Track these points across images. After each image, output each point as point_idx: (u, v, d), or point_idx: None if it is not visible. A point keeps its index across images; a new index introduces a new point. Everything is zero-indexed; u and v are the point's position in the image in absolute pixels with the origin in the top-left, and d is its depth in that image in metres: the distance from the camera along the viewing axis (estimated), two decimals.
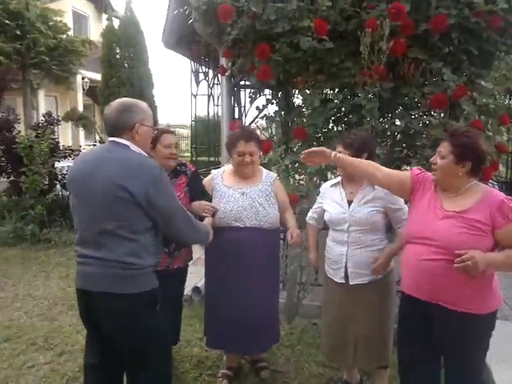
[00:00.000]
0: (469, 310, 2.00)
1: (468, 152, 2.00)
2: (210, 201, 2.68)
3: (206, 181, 2.83)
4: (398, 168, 3.20)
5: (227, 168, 2.82)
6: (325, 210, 2.54)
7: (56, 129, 7.84)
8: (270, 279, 2.70)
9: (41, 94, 13.40)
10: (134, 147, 1.95)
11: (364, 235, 2.38)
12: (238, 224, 2.58)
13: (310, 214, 2.74)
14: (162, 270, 2.55)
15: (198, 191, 2.73)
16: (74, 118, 12.58)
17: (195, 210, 2.55)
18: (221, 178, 2.74)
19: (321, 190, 2.68)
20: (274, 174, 2.81)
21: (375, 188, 2.39)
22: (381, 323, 2.43)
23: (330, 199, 2.51)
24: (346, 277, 2.41)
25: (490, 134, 3.10)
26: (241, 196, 2.62)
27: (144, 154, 1.99)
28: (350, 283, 2.40)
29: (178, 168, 2.79)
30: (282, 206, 2.72)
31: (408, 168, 3.05)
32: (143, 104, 2.04)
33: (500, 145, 3.14)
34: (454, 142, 2.02)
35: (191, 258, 2.88)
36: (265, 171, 2.79)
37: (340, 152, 2.33)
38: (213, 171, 2.87)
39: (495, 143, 3.10)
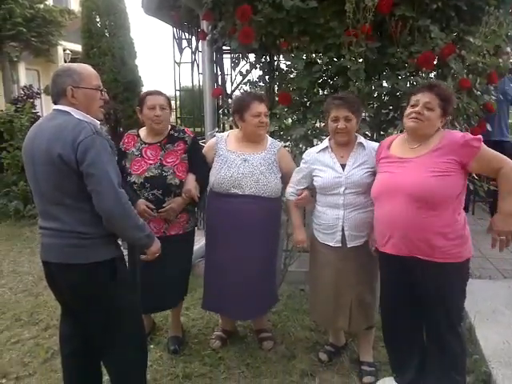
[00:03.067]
0: (445, 259, 2.04)
1: (451, 106, 2.06)
2: (209, 171, 2.65)
3: (209, 144, 2.78)
4: (385, 131, 3.14)
5: (231, 132, 2.75)
6: (313, 178, 2.46)
7: (38, 103, 7.64)
8: (268, 246, 2.68)
9: (21, 67, 13.01)
10: (75, 112, 1.85)
11: (358, 197, 2.35)
12: (237, 191, 2.55)
13: (290, 189, 2.56)
14: (159, 236, 2.51)
15: (198, 161, 2.66)
16: None
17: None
18: (224, 143, 2.67)
19: (305, 157, 2.55)
20: (279, 143, 2.73)
21: (365, 148, 2.38)
22: (371, 281, 2.45)
23: (321, 164, 2.44)
24: (343, 240, 2.39)
25: (478, 93, 3.03)
26: (242, 162, 2.57)
27: (87, 118, 1.87)
28: (348, 246, 2.38)
29: (176, 134, 2.68)
30: (288, 176, 2.64)
31: (395, 131, 2.98)
32: (80, 66, 1.93)
33: (488, 104, 3.07)
34: (441, 95, 2.01)
35: (194, 226, 2.82)
36: (270, 139, 2.72)
37: (347, 117, 2.29)
38: (217, 134, 2.81)
39: (483, 102, 3.03)
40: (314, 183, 2.46)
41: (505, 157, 2.02)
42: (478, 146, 1.97)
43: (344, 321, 2.47)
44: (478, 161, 1.98)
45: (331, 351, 2.74)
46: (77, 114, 1.85)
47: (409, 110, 2.07)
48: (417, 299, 2.19)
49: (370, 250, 2.39)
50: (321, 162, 2.44)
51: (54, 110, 1.89)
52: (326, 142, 2.49)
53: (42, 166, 1.80)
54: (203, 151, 2.75)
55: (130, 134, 2.74)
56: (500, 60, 3.11)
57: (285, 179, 2.65)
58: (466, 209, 2.09)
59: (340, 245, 2.40)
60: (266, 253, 2.69)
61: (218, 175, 2.59)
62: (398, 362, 2.38)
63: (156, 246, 2.05)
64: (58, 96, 1.88)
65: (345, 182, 2.34)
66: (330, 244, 2.43)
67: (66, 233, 1.81)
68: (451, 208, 2.02)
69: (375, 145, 2.41)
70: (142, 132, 2.70)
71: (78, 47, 11.42)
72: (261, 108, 2.57)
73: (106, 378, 2.35)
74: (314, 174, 2.46)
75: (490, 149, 2.02)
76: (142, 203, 2.49)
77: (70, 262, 1.82)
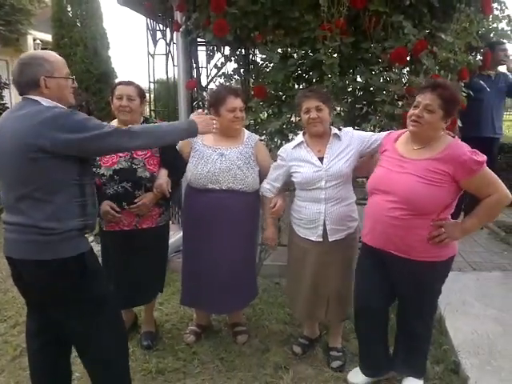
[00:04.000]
0: (423, 258, 2.07)
1: (454, 106, 1.97)
2: (183, 165, 2.62)
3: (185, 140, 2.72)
4: (359, 126, 3.16)
5: None
6: (291, 174, 2.46)
7: (7, 94, 7.39)
8: (246, 240, 2.68)
9: None
10: (45, 101, 1.77)
11: (339, 190, 2.37)
12: (214, 186, 2.53)
13: (266, 186, 2.56)
14: (131, 230, 2.54)
15: (171, 154, 2.59)
16: None
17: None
18: (201, 137, 2.62)
19: (281, 154, 2.53)
20: (256, 136, 2.71)
21: (341, 139, 2.40)
22: (349, 276, 2.47)
23: (298, 160, 2.43)
24: (324, 235, 2.40)
25: None
26: (219, 157, 2.55)
27: (58, 106, 1.79)
28: (330, 240, 2.39)
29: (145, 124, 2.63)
30: (265, 169, 2.63)
31: (368, 126, 3.00)
32: (49, 53, 1.84)
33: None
34: (444, 95, 1.94)
35: (168, 219, 2.78)
36: (247, 133, 2.70)
37: (318, 106, 2.30)
38: None
39: None
40: (293, 179, 2.46)
41: (500, 184, 1.99)
42: (475, 170, 1.93)
43: (321, 312, 2.50)
44: (470, 182, 1.97)
45: (305, 344, 2.76)
46: (46, 102, 1.77)
47: (411, 111, 2.03)
48: (390, 290, 2.25)
49: (350, 243, 2.44)
50: (297, 157, 2.43)
51: (23, 98, 1.80)
52: (300, 137, 2.49)
53: (10, 157, 1.71)
54: (178, 146, 2.70)
55: None
56: (470, 57, 3.17)
57: (262, 173, 2.64)
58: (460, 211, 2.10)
59: (321, 239, 2.40)
60: (245, 247, 2.69)
61: (195, 171, 2.55)
62: (367, 349, 2.43)
63: (200, 119, 2.07)
64: (27, 87, 1.78)
65: (325, 175, 2.34)
66: (312, 238, 2.43)
67: (30, 228, 1.73)
68: (436, 214, 2.03)
69: (349, 129, 2.48)
70: (113, 123, 2.64)
71: (49, 37, 11.10)
72: (236, 103, 2.54)
73: (76, 375, 2.32)
74: (292, 170, 2.45)
75: (489, 173, 1.97)
76: (106, 204, 2.44)
77: (34, 259, 1.75)
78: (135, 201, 2.50)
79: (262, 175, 2.64)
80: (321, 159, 2.37)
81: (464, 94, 3.11)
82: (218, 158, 2.54)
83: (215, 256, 2.60)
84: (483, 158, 1.95)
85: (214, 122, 2.17)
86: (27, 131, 1.67)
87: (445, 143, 2.01)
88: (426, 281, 2.15)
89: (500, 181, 2.01)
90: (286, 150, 2.52)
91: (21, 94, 1.81)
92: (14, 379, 2.47)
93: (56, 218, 1.74)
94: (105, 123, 1.83)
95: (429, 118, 1.95)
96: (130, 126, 1.90)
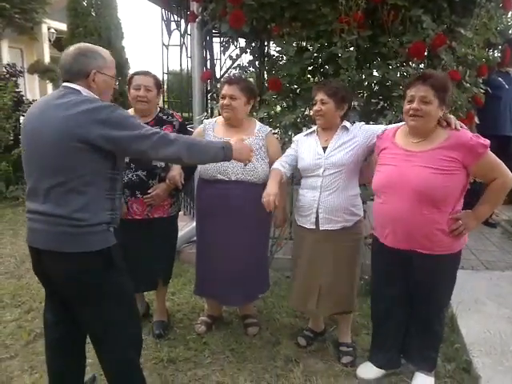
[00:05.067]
0: (442, 251, 2.09)
1: (447, 94, 1.99)
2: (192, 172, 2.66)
3: (196, 131, 2.74)
4: (374, 121, 3.14)
5: (219, 118, 2.70)
6: (297, 160, 2.50)
7: (21, 82, 7.45)
8: (257, 231, 2.67)
9: (4, 45, 12.59)
10: (85, 92, 1.77)
11: (337, 180, 2.36)
12: (223, 177, 2.53)
13: (276, 163, 2.55)
14: (143, 219, 2.57)
15: None
16: (39, 69, 11.91)
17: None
18: (212, 129, 2.64)
19: (294, 140, 2.62)
20: (267, 128, 2.69)
21: (349, 130, 2.40)
22: (346, 272, 2.47)
23: (305, 147, 2.48)
24: (317, 223, 2.42)
25: (468, 85, 3.04)
26: None
27: (96, 97, 1.80)
28: (320, 228, 2.41)
29: (164, 117, 2.66)
30: (275, 161, 2.61)
31: (384, 121, 2.98)
32: (104, 51, 1.86)
33: (476, 97, 3.09)
34: (435, 84, 1.96)
35: (178, 210, 2.81)
36: (258, 124, 2.68)
37: (322, 100, 2.32)
38: (205, 121, 2.77)
39: (472, 95, 3.05)
40: (298, 166, 2.50)
41: (504, 168, 2.02)
42: (482, 153, 1.95)
43: (312, 304, 2.50)
44: (478, 166, 1.98)
45: (309, 336, 2.78)
46: (87, 93, 1.77)
47: (406, 106, 2.04)
48: (408, 287, 2.25)
49: (346, 238, 2.42)
50: (306, 144, 2.49)
51: (63, 87, 1.79)
52: (314, 127, 2.53)
53: (48, 145, 1.69)
54: None
55: None
56: (489, 53, 3.13)
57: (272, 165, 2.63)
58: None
59: (314, 227, 2.43)
60: (256, 239, 2.68)
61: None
62: (383, 343, 2.43)
63: (238, 146, 2.02)
64: (76, 75, 1.77)
65: (324, 163, 2.37)
66: (306, 226, 2.46)
67: (62, 218, 1.71)
68: (452, 205, 2.04)
69: (360, 124, 2.47)
70: (130, 113, 2.66)
71: (64, 26, 11.14)
72: (228, 90, 2.52)
73: (89, 361, 2.35)
74: (299, 156, 2.50)
75: (493, 156, 2.01)
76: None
77: (63, 251, 1.73)
78: (149, 191, 2.51)
79: None
80: (325, 148, 2.41)
81: (482, 91, 3.08)
82: None
83: (226, 248, 2.61)
84: (487, 141, 1.98)
85: (251, 153, 2.13)
86: (69, 120, 1.67)
87: (446, 133, 2.02)
88: (446, 274, 2.18)
89: (504, 164, 2.04)
90: (298, 137, 2.60)
91: (65, 81, 1.80)
92: (28, 364, 2.51)
93: (88, 209, 1.73)
94: (144, 125, 1.81)
95: (427, 109, 1.97)
96: (165, 132, 1.86)
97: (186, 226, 4.15)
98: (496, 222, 4.66)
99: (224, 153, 1.94)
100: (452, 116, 2.05)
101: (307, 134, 2.53)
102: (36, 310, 3.03)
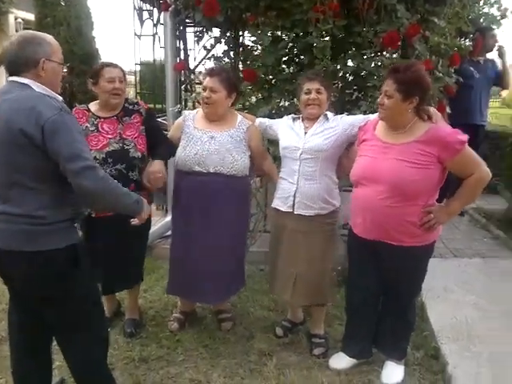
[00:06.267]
0: (413, 243, 2.10)
1: (414, 87, 1.98)
2: (172, 145, 2.57)
3: (176, 124, 2.68)
4: (349, 112, 3.11)
5: (201, 111, 2.63)
6: (279, 137, 2.54)
7: None
8: (234, 226, 2.60)
9: None
10: (36, 86, 1.66)
11: (315, 165, 2.38)
12: (201, 169, 2.46)
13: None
14: (120, 214, 2.45)
15: (157, 134, 2.56)
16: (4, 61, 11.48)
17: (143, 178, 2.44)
18: (192, 120, 2.58)
19: (284, 117, 2.63)
20: (248, 121, 2.63)
21: (328, 119, 2.42)
22: (319, 262, 2.47)
23: (288, 127, 2.51)
24: (293, 207, 2.43)
25: (440, 75, 3.04)
26: (208, 140, 2.48)
27: (50, 92, 1.70)
28: (295, 212, 2.42)
29: (130, 106, 2.58)
30: (258, 154, 2.59)
31: (358, 111, 2.95)
32: (49, 36, 1.74)
33: (448, 87, 3.09)
34: (399, 78, 1.97)
35: (151, 202, 2.69)
36: (239, 117, 2.61)
37: (318, 89, 2.35)
38: (184, 112, 2.71)
39: (443, 84, 3.04)
40: (280, 144, 2.52)
41: (480, 162, 2.02)
42: (459, 149, 1.96)
43: (287, 292, 2.51)
44: (454, 162, 1.99)
45: (287, 327, 2.78)
46: (38, 87, 1.66)
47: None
48: (381, 276, 2.27)
49: (320, 228, 2.43)
50: (289, 125, 2.51)
51: (10, 82, 1.68)
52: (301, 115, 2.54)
53: (3, 144, 1.61)
54: (170, 134, 2.67)
55: (78, 109, 2.55)
56: (461, 42, 3.14)
57: (254, 158, 2.59)
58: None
59: (290, 210, 2.44)
60: (232, 234, 2.61)
61: (183, 153, 2.50)
62: (356, 332, 2.45)
63: (148, 210, 1.97)
64: (23, 66, 1.65)
65: (302, 147, 2.39)
66: (282, 209, 2.48)
67: (21, 217, 1.62)
68: (425, 199, 2.05)
69: (342, 115, 2.51)
70: (93, 106, 2.55)
71: (31, 16, 10.76)
72: (208, 82, 2.48)
73: (56, 363, 2.25)
74: (280, 132, 2.54)
75: (470, 152, 2.00)
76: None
77: (24, 250, 1.64)
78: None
79: (254, 160, 2.60)
80: (306, 134, 2.43)
81: (453, 81, 3.08)
82: (207, 141, 2.49)
83: (200, 243, 2.53)
84: (465, 136, 1.99)
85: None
86: (18, 117, 1.57)
87: (426, 126, 2.03)
88: (417, 265, 2.20)
89: (480, 159, 2.04)
90: (288, 116, 2.60)
91: (12, 74, 1.68)
92: None
93: (49, 206, 1.65)
94: (87, 154, 1.67)
95: (388, 103, 2.00)
96: (97, 166, 1.71)
97: (159, 222, 4.05)
98: (464, 211, 4.72)
99: (137, 206, 1.87)
100: (433, 109, 2.04)
101: (293, 118, 2.54)
102: (2, 312, 2.88)
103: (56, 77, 1.76)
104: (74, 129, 1.66)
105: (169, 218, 4.23)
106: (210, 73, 2.51)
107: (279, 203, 2.51)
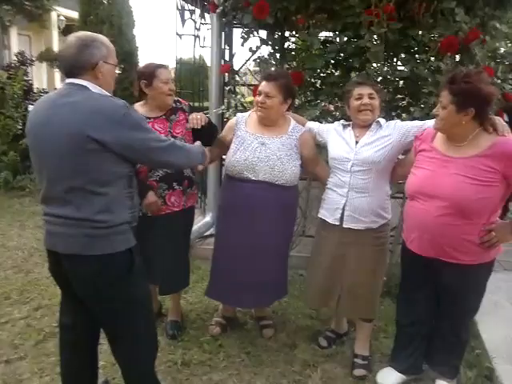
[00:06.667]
0: (473, 261, 1.99)
1: (469, 99, 1.84)
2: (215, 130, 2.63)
3: (228, 125, 2.65)
4: (398, 117, 3.02)
5: (253, 114, 2.57)
6: (328, 145, 2.44)
7: (30, 70, 7.34)
8: (280, 236, 2.55)
9: (13, 32, 12.50)
10: (93, 87, 1.66)
11: (366, 178, 2.27)
12: (250, 175, 2.41)
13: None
14: (180, 211, 2.54)
15: (201, 129, 2.52)
16: (48, 58, 11.80)
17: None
18: (244, 123, 2.53)
19: (335, 123, 2.52)
20: (302, 127, 2.55)
21: (382, 127, 2.31)
22: (369, 275, 2.38)
23: (337, 135, 2.40)
24: (341, 220, 2.34)
25: (499, 81, 2.90)
26: (259, 146, 2.43)
27: (106, 93, 1.70)
28: (344, 226, 2.33)
29: (174, 105, 2.57)
30: (310, 162, 2.50)
31: (409, 117, 2.86)
32: (104, 38, 1.74)
33: (507, 94, 2.94)
34: (453, 89, 1.86)
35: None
36: (293, 123, 2.53)
37: (371, 94, 2.26)
38: (238, 114, 2.66)
39: (503, 92, 2.90)
40: (329, 154, 2.42)
41: None
42: None
43: (332, 303, 2.45)
44: None
45: (331, 337, 2.71)
46: (95, 89, 1.66)
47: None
48: (436, 293, 2.19)
49: (371, 241, 2.34)
50: (339, 133, 2.40)
51: (68, 84, 1.67)
52: (348, 122, 2.45)
53: (59, 147, 1.59)
54: (221, 135, 2.64)
55: None
56: None
57: (305, 166, 2.52)
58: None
59: (338, 223, 2.35)
60: (277, 244, 2.56)
61: (233, 157, 2.45)
62: (402, 346, 2.38)
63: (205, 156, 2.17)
64: (80, 69, 1.65)
65: (353, 158, 2.28)
66: (329, 220, 2.39)
67: (82, 221, 1.62)
68: (486, 217, 1.93)
69: (395, 121, 2.39)
70: (141, 107, 2.54)
71: (73, 14, 11.01)
72: (263, 87, 2.40)
73: (101, 363, 2.26)
74: (329, 140, 2.43)
75: None
76: (153, 195, 2.42)
77: (84, 254, 1.64)
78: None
79: (306, 167, 2.53)
80: (357, 143, 2.33)
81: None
82: (257, 147, 2.43)
83: (248, 250, 2.48)
84: None
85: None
86: (81, 121, 1.57)
87: (491, 138, 1.89)
88: (475, 284, 2.09)
89: None
90: (336, 124, 2.49)
91: (69, 77, 1.68)
92: (38, 365, 2.41)
93: (109, 210, 1.64)
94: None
95: (442, 114, 1.91)
96: (173, 140, 1.92)
97: (198, 221, 4.04)
98: None
99: (202, 158, 2.09)
100: (500, 119, 1.92)
101: (343, 125, 2.42)
102: (45, 308, 2.93)
103: (111, 78, 1.77)
104: (143, 122, 1.75)
105: (207, 218, 4.26)
106: (267, 77, 2.42)
107: (326, 214, 2.42)
